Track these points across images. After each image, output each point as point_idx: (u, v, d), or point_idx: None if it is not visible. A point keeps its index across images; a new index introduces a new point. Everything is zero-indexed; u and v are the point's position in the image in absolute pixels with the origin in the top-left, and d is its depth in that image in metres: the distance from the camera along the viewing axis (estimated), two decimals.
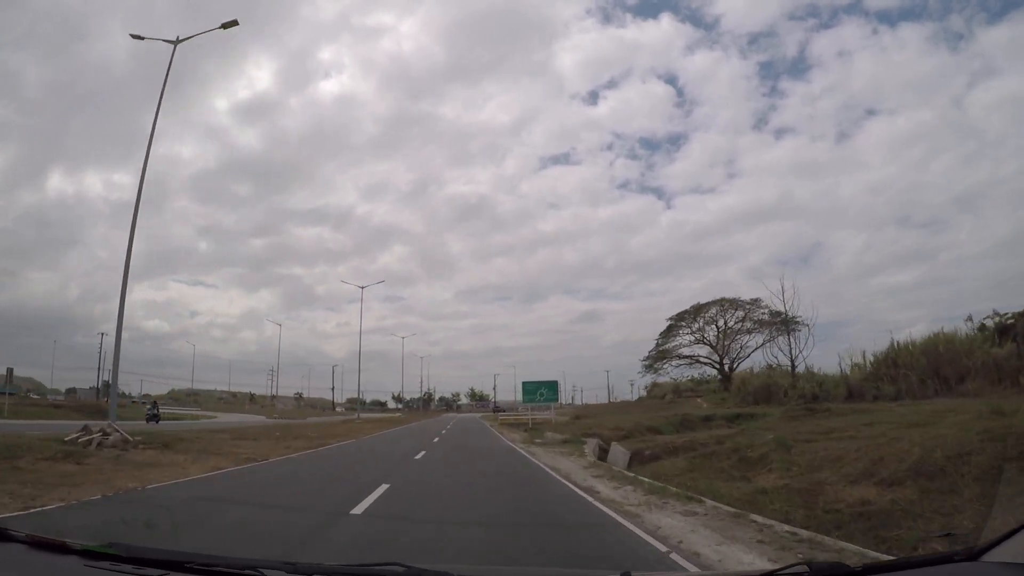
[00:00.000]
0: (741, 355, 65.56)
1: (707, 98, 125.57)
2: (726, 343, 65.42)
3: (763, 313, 64.26)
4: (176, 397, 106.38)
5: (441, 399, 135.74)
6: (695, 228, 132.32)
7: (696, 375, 69.89)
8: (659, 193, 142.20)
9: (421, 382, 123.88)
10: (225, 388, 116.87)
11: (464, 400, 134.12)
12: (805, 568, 1.82)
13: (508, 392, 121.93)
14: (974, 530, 4.87)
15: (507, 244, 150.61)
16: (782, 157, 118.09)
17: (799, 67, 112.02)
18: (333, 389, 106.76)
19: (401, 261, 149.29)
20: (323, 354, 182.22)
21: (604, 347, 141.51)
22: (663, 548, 5.56)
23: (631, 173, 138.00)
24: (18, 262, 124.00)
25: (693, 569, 4.84)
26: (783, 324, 64.82)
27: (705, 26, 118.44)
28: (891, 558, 3.23)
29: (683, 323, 67.06)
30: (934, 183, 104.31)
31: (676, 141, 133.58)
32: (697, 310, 65.57)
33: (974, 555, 1.77)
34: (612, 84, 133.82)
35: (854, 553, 4.87)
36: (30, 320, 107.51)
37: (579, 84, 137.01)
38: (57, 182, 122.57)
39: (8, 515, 6.35)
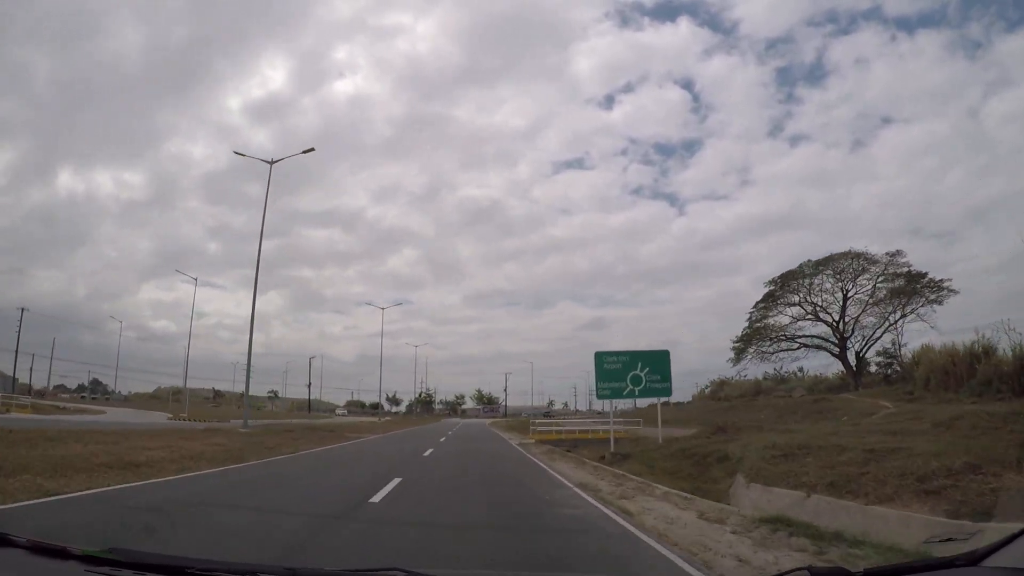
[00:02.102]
0: (873, 335, 42.68)
1: (723, 104, 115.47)
2: (856, 316, 42.34)
3: (901, 273, 41.36)
4: (159, 396, 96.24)
5: (442, 402, 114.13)
6: (706, 236, 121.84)
7: (772, 369, 46.81)
8: (672, 200, 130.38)
9: (415, 379, 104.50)
10: (227, 389, 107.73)
11: (469, 403, 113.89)
12: (806, 573, 1.72)
13: (520, 396, 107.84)
14: (976, 534, 4.26)
15: (517, 249, 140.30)
16: (796, 165, 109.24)
17: (816, 74, 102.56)
18: (309, 386, 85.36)
19: (410, 265, 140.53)
20: (329, 357, 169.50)
21: None
22: None
23: (644, 179, 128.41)
24: (26, 259, 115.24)
25: (695, 572, 4.39)
26: (926, 288, 42.10)
27: (723, 31, 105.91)
28: (893, 563, 2.87)
29: (790, 290, 44.06)
30: (947, 194, 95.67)
31: (691, 147, 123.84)
32: (816, 266, 42.52)
33: (975, 560, 1.66)
34: (628, 88, 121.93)
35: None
36: (36, 317, 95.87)
37: (595, 88, 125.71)
38: (67, 180, 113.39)
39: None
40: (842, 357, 43.50)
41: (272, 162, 24.23)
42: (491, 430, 41.53)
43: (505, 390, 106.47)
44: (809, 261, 43.77)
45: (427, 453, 15.50)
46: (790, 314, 44.41)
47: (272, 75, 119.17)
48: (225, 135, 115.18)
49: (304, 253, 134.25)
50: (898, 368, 35.58)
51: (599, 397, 17.26)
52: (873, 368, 42.05)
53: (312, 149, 24.59)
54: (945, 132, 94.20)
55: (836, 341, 43.58)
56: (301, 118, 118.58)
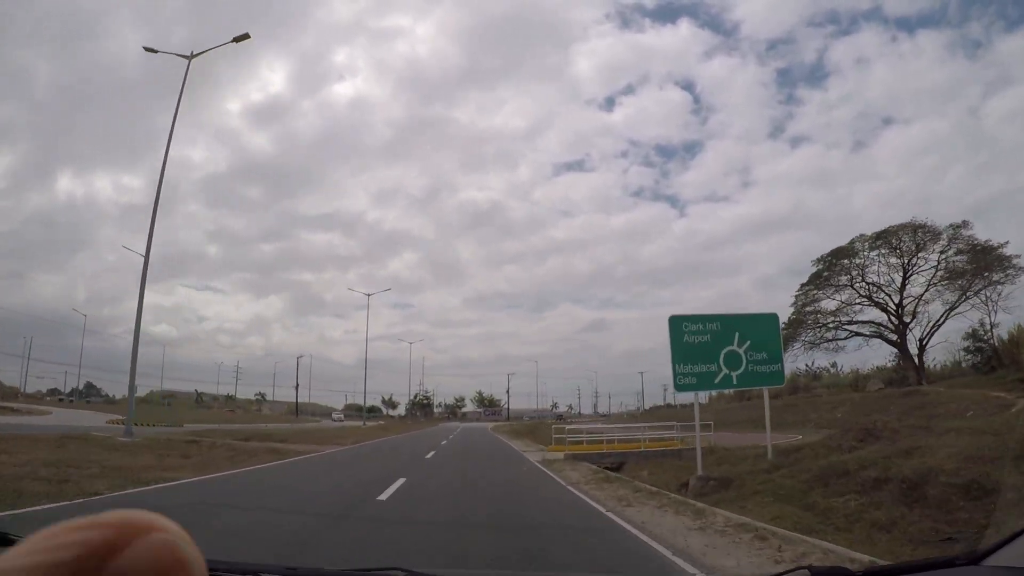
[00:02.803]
0: (937, 321, 35.84)
1: (724, 105, 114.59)
2: (919, 297, 35.57)
3: (967, 248, 34.65)
4: (148, 399, 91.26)
5: (441, 404, 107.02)
6: (708, 237, 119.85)
7: (805, 365, 40.25)
8: (673, 201, 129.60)
9: (410, 379, 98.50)
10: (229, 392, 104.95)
11: (469, 405, 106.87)
12: (806, 572, 1.59)
13: (522, 398, 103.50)
14: (976, 533, 4.11)
15: (518, 251, 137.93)
16: (797, 166, 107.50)
17: (817, 74, 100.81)
18: (297, 388, 78.68)
19: (410, 268, 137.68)
20: (330, 360, 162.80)
21: (612, 356, 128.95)
22: None
23: (645, 181, 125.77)
24: (25, 263, 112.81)
25: (694, 571, 4.34)
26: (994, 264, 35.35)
27: (724, 32, 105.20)
28: (893, 562, 2.84)
29: (839, 269, 37.36)
30: (947, 192, 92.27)
31: (691, 149, 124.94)
32: (872, 241, 35.79)
33: (976, 559, 1.57)
34: (629, 90, 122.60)
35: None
36: (36, 321, 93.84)
37: (595, 90, 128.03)
38: (66, 183, 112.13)
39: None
40: (901, 346, 36.84)
41: (191, 56, 18.15)
42: (495, 437, 34.69)
43: (508, 391, 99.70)
44: (863, 235, 37.06)
45: (390, 491, 8.65)
46: (839, 298, 37.79)
47: (272, 78, 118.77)
48: (225, 138, 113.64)
49: (304, 257, 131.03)
50: (991, 354, 28.80)
51: (678, 389, 10.46)
52: (935, 358, 35.47)
53: (247, 36, 18.30)
54: (945, 131, 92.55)
55: (894, 327, 36.98)
56: (301, 121, 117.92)
